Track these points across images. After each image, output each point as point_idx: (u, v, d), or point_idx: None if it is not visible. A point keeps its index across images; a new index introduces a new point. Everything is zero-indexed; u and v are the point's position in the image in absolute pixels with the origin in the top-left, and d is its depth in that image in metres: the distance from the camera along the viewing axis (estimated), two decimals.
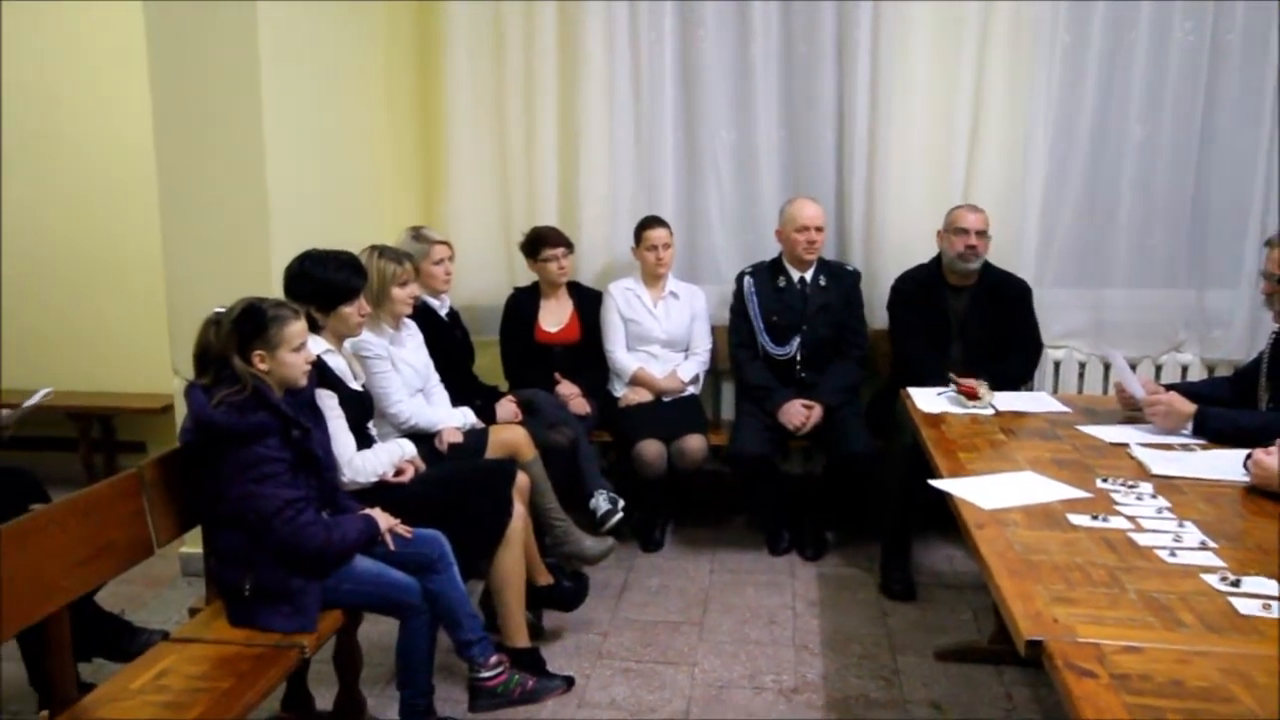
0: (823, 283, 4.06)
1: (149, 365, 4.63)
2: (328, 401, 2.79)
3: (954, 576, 3.82)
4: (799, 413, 3.90)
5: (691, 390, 4.22)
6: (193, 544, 3.43)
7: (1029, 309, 3.98)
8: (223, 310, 2.51)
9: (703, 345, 4.28)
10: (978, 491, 2.32)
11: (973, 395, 3.19)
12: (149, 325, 4.50)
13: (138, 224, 4.55)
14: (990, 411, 3.13)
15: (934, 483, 2.46)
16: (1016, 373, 3.81)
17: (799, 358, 4.03)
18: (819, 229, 3.99)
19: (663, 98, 4.36)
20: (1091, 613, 1.69)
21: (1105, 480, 2.40)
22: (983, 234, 3.82)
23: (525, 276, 4.29)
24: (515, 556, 3.01)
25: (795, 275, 4.06)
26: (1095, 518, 2.15)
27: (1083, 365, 4.31)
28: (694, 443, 3.94)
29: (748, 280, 4.10)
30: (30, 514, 2.22)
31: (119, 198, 4.81)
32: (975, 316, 3.88)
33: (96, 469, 4.94)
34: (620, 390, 4.19)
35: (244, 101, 3.43)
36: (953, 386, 3.26)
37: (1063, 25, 4.09)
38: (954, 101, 4.19)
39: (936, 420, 3.04)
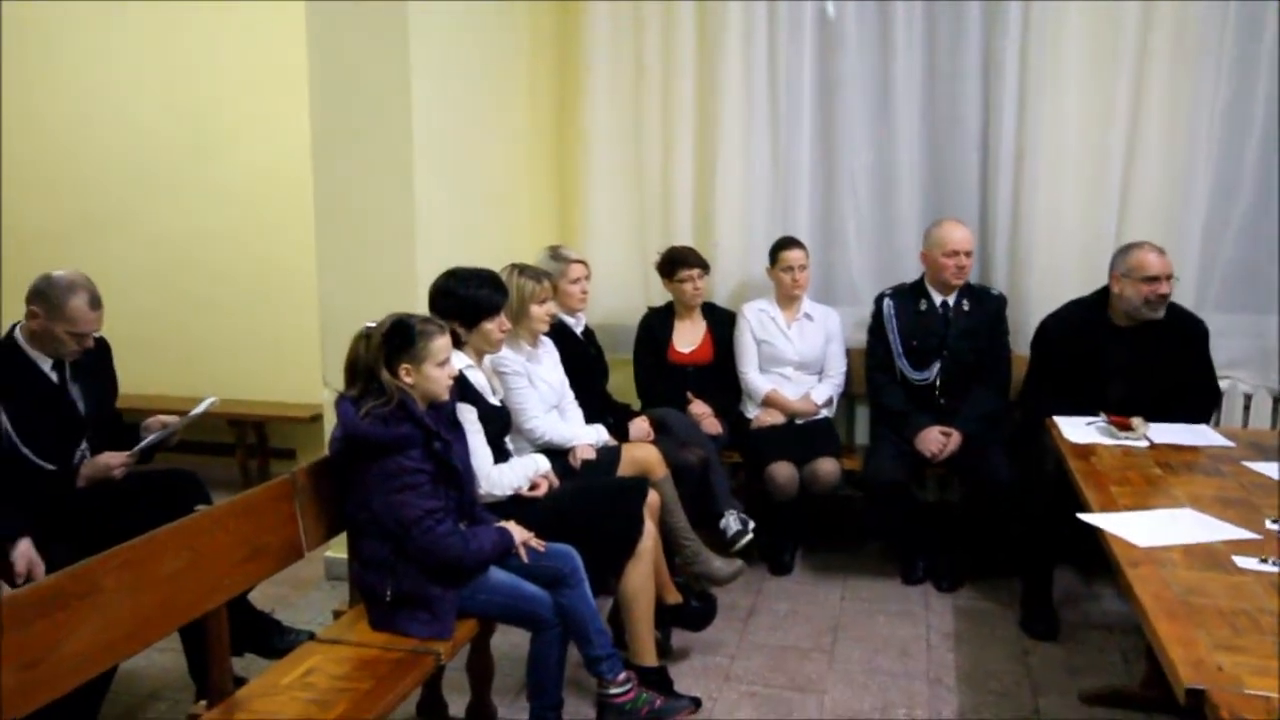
0: (966, 307, 3.94)
1: (300, 376, 4.86)
2: (468, 415, 2.88)
3: (1101, 616, 3.64)
4: (937, 440, 3.79)
5: (825, 413, 4.15)
6: (336, 549, 3.59)
7: (1205, 352, 3.57)
8: (373, 325, 2.62)
9: (837, 368, 4.21)
10: (1131, 527, 2.20)
11: (1125, 426, 3.04)
12: (301, 339, 4.72)
13: (293, 244, 4.79)
14: (1144, 444, 2.97)
15: (1083, 517, 2.35)
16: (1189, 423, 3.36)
17: (939, 383, 3.92)
18: (968, 253, 3.87)
19: (800, 117, 4.34)
20: (1261, 663, 1.58)
21: (1277, 522, 2.24)
22: (1170, 277, 3.44)
23: (660, 296, 4.32)
24: (645, 574, 3.02)
25: (937, 299, 3.95)
26: (1265, 561, 2.01)
27: (1248, 397, 4.04)
28: (827, 466, 3.88)
29: (887, 303, 4.02)
30: (195, 514, 2.36)
31: (277, 219, 5.08)
32: (1141, 359, 3.47)
33: (251, 473, 5.21)
34: (752, 411, 4.16)
35: (395, 128, 3.58)
36: (1103, 416, 3.11)
37: (1231, 35, 3.87)
38: (1109, 117, 4.01)
39: (1085, 451, 2.91)
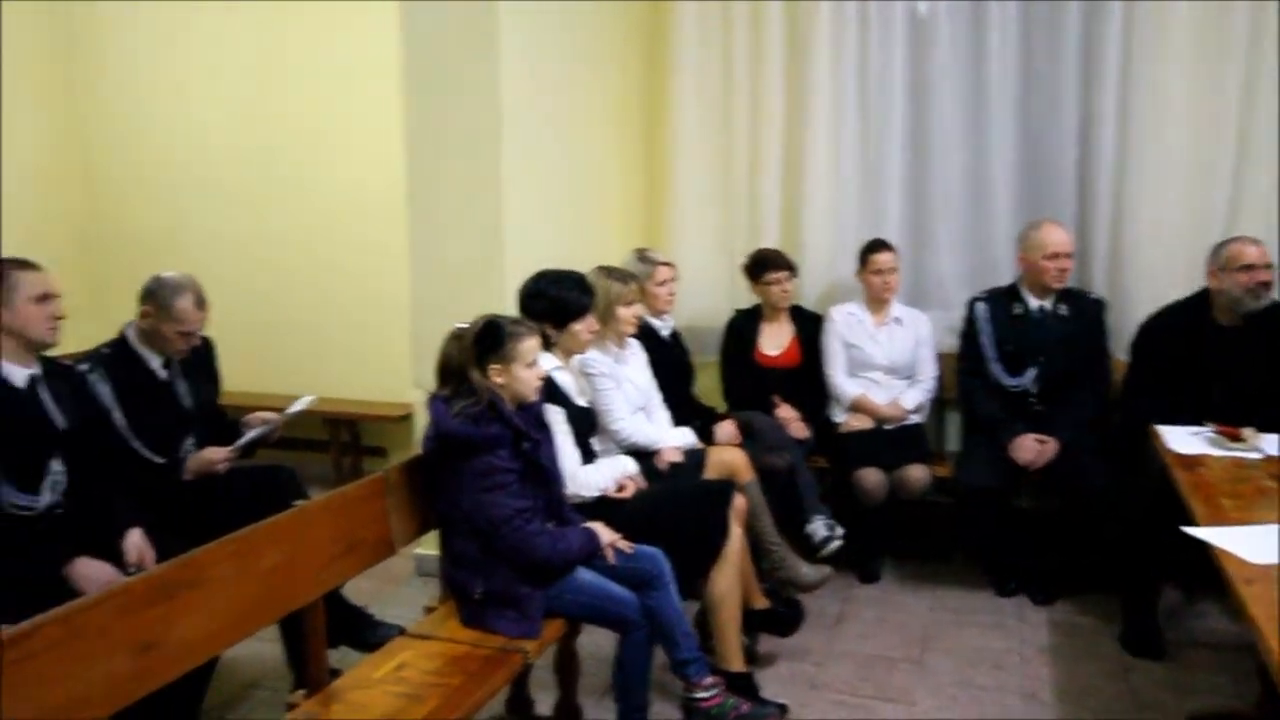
0: (1064, 311, 3.82)
1: (392, 376, 4.96)
2: (555, 416, 2.90)
3: (1207, 634, 3.49)
4: (1031, 447, 3.68)
5: (915, 419, 4.08)
6: (426, 545, 3.65)
7: None
8: (464, 326, 2.66)
9: (927, 373, 4.13)
10: (1244, 543, 2.11)
11: (1235, 437, 2.91)
12: (393, 340, 4.81)
13: (387, 246, 4.89)
14: (1258, 455, 2.84)
15: (1190, 530, 2.26)
16: None
17: (1034, 389, 3.81)
18: (1069, 256, 3.76)
19: (891, 117, 4.27)
20: None
21: None
22: (1270, 266, 3.36)
23: (746, 298, 4.30)
24: (731, 578, 3.00)
25: (1034, 303, 3.84)
26: None
27: None
28: (916, 473, 3.81)
29: (980, 306, 3.92)
30: (294, 509, 2.43)
31: (372, 222, 5.19)
32: (1245, 360, 3.36)
33: (343, 470, 5.34)
34: (840, 416, 4.11)
35: (485, 130, 3.63)
36: (1210, 426, 2.98)
37: None
38: (1216, 116, 3.86)
39: (1192, 462, 2.79)
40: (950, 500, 3.90)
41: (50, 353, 2.74)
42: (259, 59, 5.42)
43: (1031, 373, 3.81)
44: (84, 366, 2.93)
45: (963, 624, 3.60)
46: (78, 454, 2.67)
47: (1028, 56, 4.14)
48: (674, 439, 3.45)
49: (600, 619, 2.72)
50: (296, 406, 3.28)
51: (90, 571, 2.50)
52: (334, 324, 5.46)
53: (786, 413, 4.02)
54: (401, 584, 4.02)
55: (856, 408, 4.07)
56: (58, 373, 2.74)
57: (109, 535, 2.65)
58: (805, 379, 4.17)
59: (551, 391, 2.89)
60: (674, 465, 3.35)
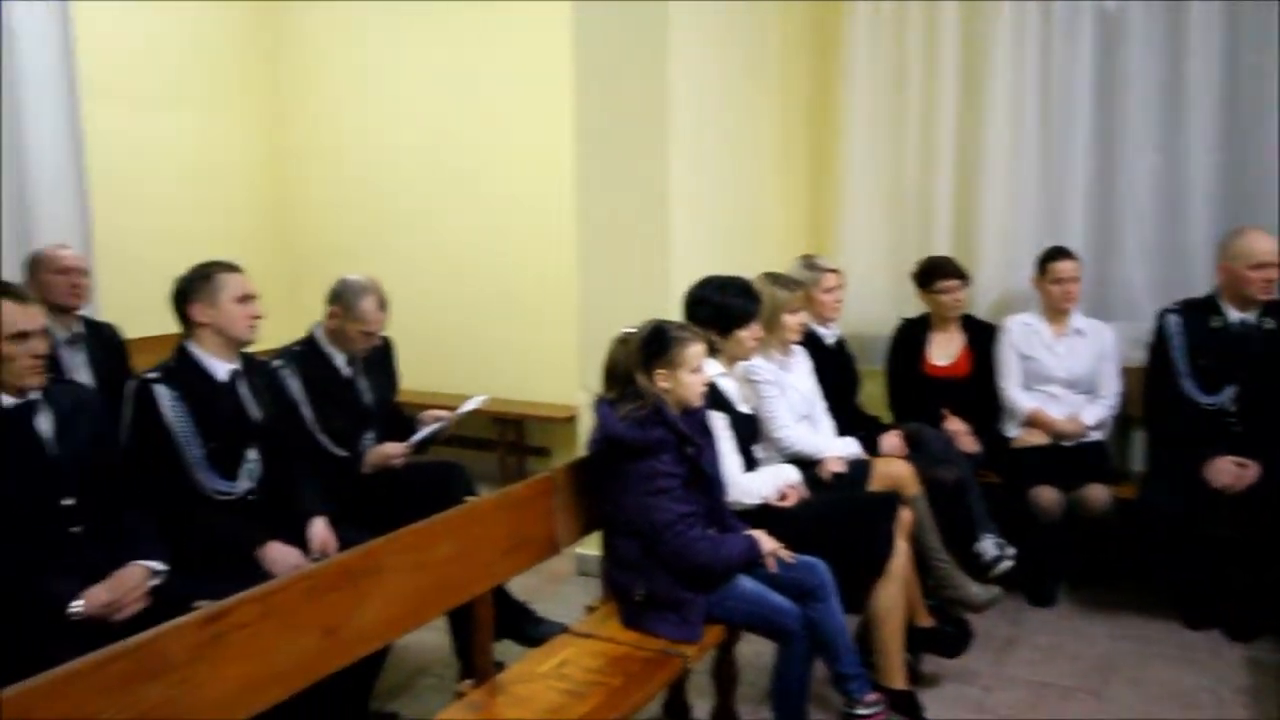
0: (1269, 325, 3.53)
1: (558, 379, 5.08)
2: (718, 422, 2.90)
3: None
4: (1230, 470, 3.41)
5: (1095, 435, 3.86)
6: (588, 545, 3.70)
7: None
8: (631, 330, 2.69)
9: (1110, 388, 3.91)
10: None
11: None
12: (560, 342, 4.92)
13: (556, 250, 5.00)
14: None
15: None
16: None
17: (1232, 408, 3.54)
18: (1276, 265, 3.48)
19: (1075, 119, 4.06)
20: None
21: None
22: None
23: (915, 307, 4.18)
24: (895, 594, 2.92)
25: (1234, 315, 3.57)
26: None
27: None
28: (1097, 493, 3.60)
29: (1172, 319, 3.67)
30: (466, 505, 2.51)
31: (542, 226, 5.33)
32: None
33: (509, 469, 5.50)
34: (1013, 431, 3.93)
35: (653, 134, 3.68)
36: None
37: None
38: None
39: None
40: (1133, 523, 3.66)
41: (247, 349, 2.93)
42: (439, 72, 5.65)
43: (1230, 391, 3.54)
44: (277, 362, 3.13)
45: (1147, 656, 3.38)
46: (271, 444, 2.84)
47: (1233, 50, 3.85)
48: (838, 449, 3.38)
49: (760, 627, 2.70)
50: (468, 406, 3.40)
51: (280, 555, 2.66)
52: (505, 327, 5.63)
53: (955, 425, 3.88)
54: (562, 582, 4.10)
55: (1032, 422, 3.89)
56: (254, 368, 2.92)
57: (296, 522, 2.81)
58: (976, 391, 4.02)
59: (715, 398, 2.89)
60: (837, 475, 3.29)
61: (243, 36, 5.99)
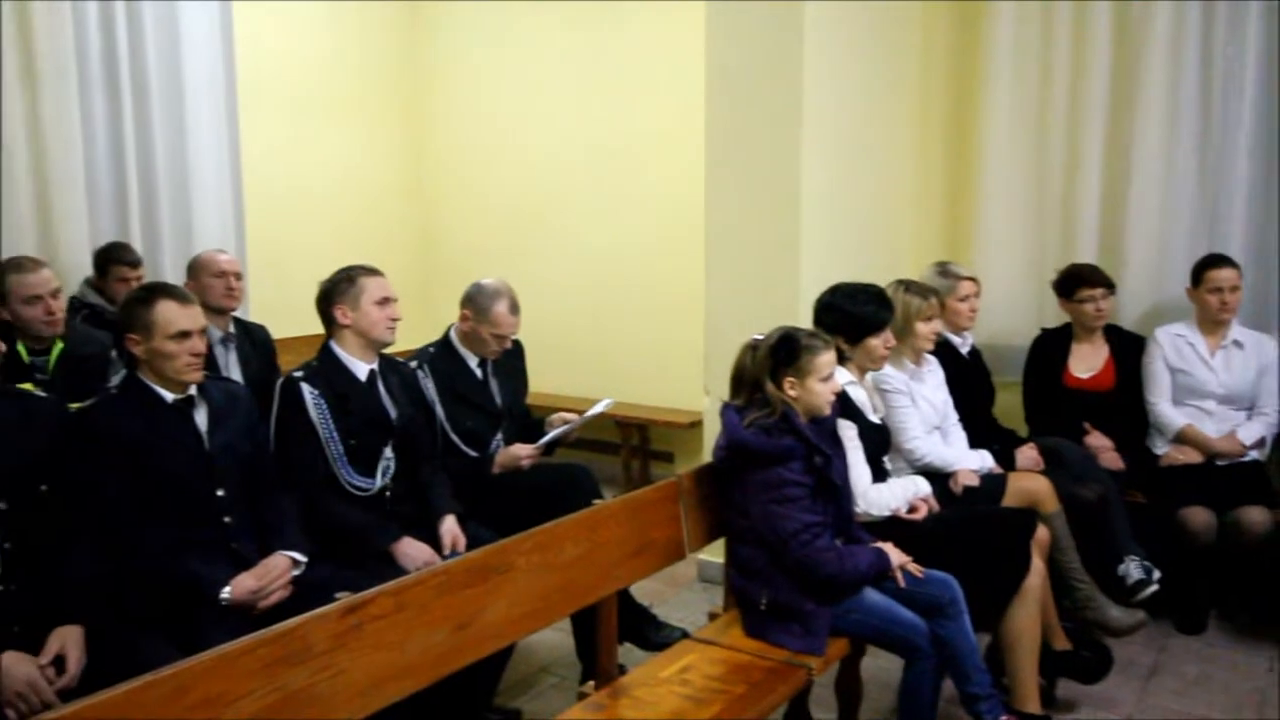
0: None
1: (683, 383, 5.09)
2: (847, 432, 2.85)
3: None
4: None
5: (1254, 455, 3.63)
6: (710, 552, 3.70)
7: None
8: (760, 337, 2.68)
9: (1271, 404, 3.67)
10: None
11: None
12: (685, 347, 4.94)
13: (682, 255, 5.02)
14: None
15: None
16: None
17: None
18: None
19: (1239, 121, 3.82)
20: None
21: None
22: None
23: (1056, 316, 4.02)
24: (1031, 614, 2.81)
25: None
26: None
27: None
28: (1254, 515, 3.38)
29: None
30: (593, 507, 2.54)
31: (670, 231, 5.35)
32: None
33: (632, 473, 5.53)
34: (1161, 448, 3.74)
35: (784, 140, 3.65)
36: None
37: None
38: None
39: None
40: None
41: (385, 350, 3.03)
42: (575, 78, 5.74)
43: None
44: (413, 363, 3.23)
45: None
46: (406, 443, 2.94)
47: None
48: (970, 461, 3.28)
49: (887, 642, 2.64)
50: (596, 409, 3.44)
51: (412, 551, 2.74)
52: (632, 331, 5.67)
53: (1098, 441, 3.71)
54: (683, 587, 4.10)
55: (1183, 439, 3.69)
56: (392, 368, 3.03)
57: (427, 519, 2.89)
58: (1120, 405, 3.83)
59: (845, 406, 2.84)
60: (969, 489, 3.19)
61: (387, 47, 6.21)
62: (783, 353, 2.60)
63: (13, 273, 3.14)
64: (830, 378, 2.62)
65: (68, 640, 2.06)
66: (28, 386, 2.84)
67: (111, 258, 3.88)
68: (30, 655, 1.99)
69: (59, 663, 2.02)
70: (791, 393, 2.60)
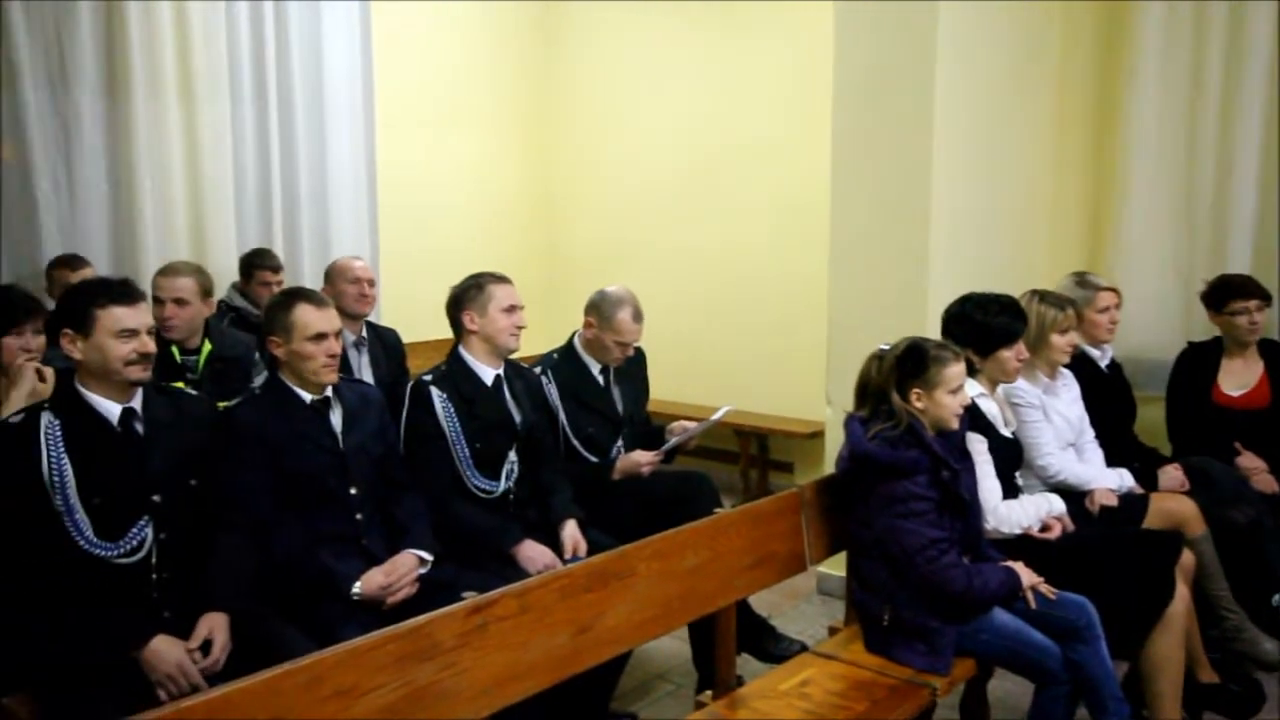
0: None
1: (804, 393, 5.03)
2: (977, 446, 2.76)
3: None
4: None
5: None
6: (830, 565, 3.64)
7: None
8: (886, 347, 2.62)
9: None
10: None
11: None
12: (807, 356, 4.88)
13: (806, 262, 4.95)
14: None
15: None
16: None
17: None
18: None
19: None
20: None
21: None
22: None
23: (1204, 329, 3.80)
24: (1174, 643, 2.67)
25: None
26: None
27: None
28: None
29: None
30: (714, 516, 2.53)
31: (792, 238, 5.30)
32: None
33: (750, 482, 5.49)
34: None
35: (915, 143, 3.57)
36: None
37: None
38: None
39: None
40: None
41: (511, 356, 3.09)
42: (698, 86, 5.75)
43: None
44: (538, 369, 3.28)
45: None
46: (529, 447, 2.99)
47: None
48: (1108, 480, 3.14)
49: (1017, 665, 2.55)
50: (715, 416, 3.43)
51: (534, 554, 2.78)
52: (753, 339, 5.63)
53: (1251, 462, 3.49)
54: (802, 600, 4.05)
55: None
56: (518, 373, 3.09)
57: (548, 523, 2.93)
58: (1275, 424, 3.59)
59: (975, 419, 2.75)
60: (1106, 509, 3.05)
61: (516, 57, 6.34)
62: (910, 363, 2.54)
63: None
64: (959, 390, 2.54)
65: (215, 626, 2.16)
66: (179, 385, 3.00)
67: (255, 263, 4.09)
68: (180, 639, 2.10)
69: (206, 647, 2.13)
70: (918, 405, 2.53)
